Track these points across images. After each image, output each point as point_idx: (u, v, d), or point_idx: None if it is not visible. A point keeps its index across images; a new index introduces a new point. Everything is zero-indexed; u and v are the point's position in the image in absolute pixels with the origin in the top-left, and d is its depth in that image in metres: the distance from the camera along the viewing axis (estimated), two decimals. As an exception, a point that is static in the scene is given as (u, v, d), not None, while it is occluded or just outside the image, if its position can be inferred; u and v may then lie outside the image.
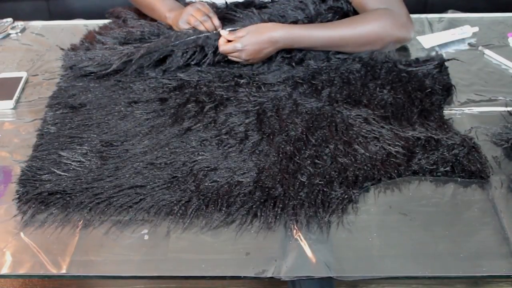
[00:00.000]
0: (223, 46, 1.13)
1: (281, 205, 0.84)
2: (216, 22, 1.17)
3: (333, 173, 0.89)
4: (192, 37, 1.15)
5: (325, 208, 0.84)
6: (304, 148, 0.94)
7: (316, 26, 1.16)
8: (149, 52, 1.15)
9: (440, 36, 1.26)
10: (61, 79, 1.18)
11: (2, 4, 2.01)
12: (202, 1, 1.28)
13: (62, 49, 1.24)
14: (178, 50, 1.15)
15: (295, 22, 1.18)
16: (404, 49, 1.24)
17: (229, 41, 1.13)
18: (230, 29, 1.15)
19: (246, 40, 1.11)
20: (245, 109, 1.05)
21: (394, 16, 1.15)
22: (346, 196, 0.86)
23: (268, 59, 1.17)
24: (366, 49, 1.18)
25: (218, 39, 1.14)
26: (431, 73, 1.13)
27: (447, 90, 1.09)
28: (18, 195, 0.89)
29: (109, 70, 1.15)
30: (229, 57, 1.15)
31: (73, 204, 0.86)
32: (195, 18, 1.17)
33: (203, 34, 1.15)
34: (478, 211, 0.85)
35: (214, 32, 1.15)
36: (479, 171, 0.90)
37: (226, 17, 1.20)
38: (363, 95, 1.07)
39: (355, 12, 1.22)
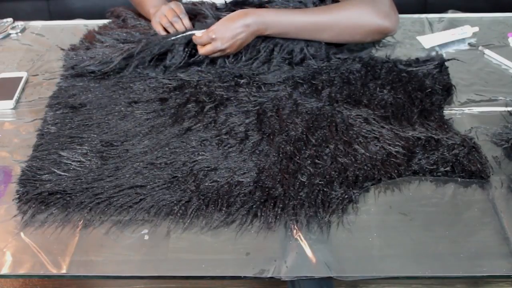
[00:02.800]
0: (198, 40, 1.13)
1: (281, 205, 0.84)
2: (187, 22, 1.19)
3: (333, 173, 0.89)
4: (192, 32, 1.15)
5: (325, 208, 0.84)
6: (304, 148, 0.94)
7: (291, 11, 1.15)
8: (149, 44, 1.15)
9: (440, 36, 1.26)
10: (61, 79, 1.18)
11: (2, 4, 2.01)
12: (203, 1, 1.28)
13: (62, 49, 1.24)
14: (179, 44, 1.16)
15: None
16: (404, 49, 1.24)
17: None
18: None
19: (219, 28, 1.10)
20: (245, 109, 1.05)
21: (375, 4, 1.13)
22: (346, 196, 0.86)
23: (268, 59, 1.17)
24: (346, 38, 1.16)
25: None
26: (431, 73, 1.13)
27: (447, 90, 1.09)
28: (18, 195, 0.89)
29: (111, 67, 1.15)
30: (209, 54, 1.14)
31: (73, 204, 0.86)
32: (166, 19, 1.19)
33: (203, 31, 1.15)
34: (478, 211, 0.85)
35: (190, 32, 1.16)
36: (479, 171, 0.90)
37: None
38: (363, 95, 1.07)
39: None
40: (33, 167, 0.93)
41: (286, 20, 1.12)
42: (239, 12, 1.12)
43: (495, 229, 0.82)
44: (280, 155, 0.93)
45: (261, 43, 1.17)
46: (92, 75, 1.16)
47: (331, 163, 0.91)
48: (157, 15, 1.21)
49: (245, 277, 0.77)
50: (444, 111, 1.04)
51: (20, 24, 1.40)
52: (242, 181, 0.89)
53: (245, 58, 1.17)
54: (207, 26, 1.14)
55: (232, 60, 1.17)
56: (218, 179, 0.89)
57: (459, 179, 0.90)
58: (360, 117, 1.01)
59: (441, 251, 0.79)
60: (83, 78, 1.16)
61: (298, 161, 0.92)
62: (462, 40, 1.27)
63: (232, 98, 1.08)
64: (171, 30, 1.19)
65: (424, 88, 1.09)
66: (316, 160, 0.92)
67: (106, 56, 1.16)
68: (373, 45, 1.25)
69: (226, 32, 1.10)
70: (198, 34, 1.13)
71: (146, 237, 0.82)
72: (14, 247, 0.82)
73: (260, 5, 1.21)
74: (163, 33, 1.20)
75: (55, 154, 0.96)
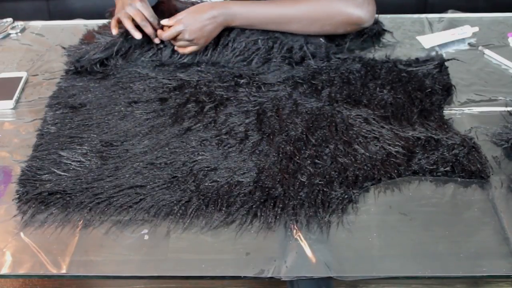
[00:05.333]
0: (165, 33, 1.13)
1: (281, 205, 0.84)
2: (156, 25, 1.16)
3: (333, 173, 0.89)
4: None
5: (325, 208, 0.84)
6: (304, 148, 0.94)
7: (259, 3, 1.15)
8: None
9: (440, 36, 1.26)
10: (61, 79, 1.18)
11: (2, 4, 2.01)
12: (203, 1, 1.28)
13: (64, 48, 1.25)
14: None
15: None
16: (404, 49, 1.24)
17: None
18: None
19: (186, 19, 1.11)
20: (245, 109, 1.05)
21: None
22: (346, 196, 0.86)
23: (268, 58, 1.18)
24: (315, 30, 1.16)
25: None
26: (431, 73, 1.13)
27: (447, 90, 1.09)
28: (18, 195, 0.89)
29: (116, 49, 1.16)
30: (176, 46, 1.16)
31: (73, 204, 0.86)
32: (129, 22, 1.14)
33: None
34: (478, 211, 0.85)
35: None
36: (479, 171, 0.90)
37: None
38: (363, 95, 1.07)
39: None
40: (33, 167, 0.93)
41: (253, 11, 1.13)
42: (206, 4, 1.14)
43: (495, 229, 0.82)
44: (280, 155, 0.93)
45: (260, 40, 1.17)
46: (92, 75, 1.17)
47: (331, 163, 0.91)
48: (118, 14, 1.17)
49: (245, 277, 0.77)
50: (444, 111, 1.04)
51: (20, 24, 1.40)
52: (242, 181, 0.89)
53: (243, 56, 1.18)
54: None
55: (231, 55, 1.17)
56: (218, 179, 0.89)
57: (459, 179, 0.90)
58: (360, 117, 1.01)
59: (441, 251, 0.79)
60: (83, 78, 1.16)
61: (298, 161, 0.92)
62: (462, 40, 1.27)
63: (232, 98, 1.08)
64: (136, 35, 1.14)
65: (424, 88, 1.09)
66: (316, 160, 0.92)
67: (109, 42, 1.17)
68: (373, 45, 1.25)
69: (193, 24, 1.11)
70: (165, 22, 1.14)
71: (146, 237, 0.82)
72: (14, 247, 0.82)
73: None
74: (131, 28, 1.15)
75: (55, 154, 0.96)
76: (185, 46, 1.15)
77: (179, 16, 1.12)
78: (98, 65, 1.18)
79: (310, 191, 0.86)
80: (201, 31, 1.12)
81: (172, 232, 0.83)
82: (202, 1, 1.28)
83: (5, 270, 0.79)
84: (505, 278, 0.78)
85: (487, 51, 1.21)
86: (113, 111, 1.06)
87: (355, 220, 0.84)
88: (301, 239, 0.81)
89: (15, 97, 1.12)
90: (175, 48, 1.17)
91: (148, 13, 1.16)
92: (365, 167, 0.90)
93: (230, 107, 1.05)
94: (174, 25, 1.12)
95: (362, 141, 0.95)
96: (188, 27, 1.11)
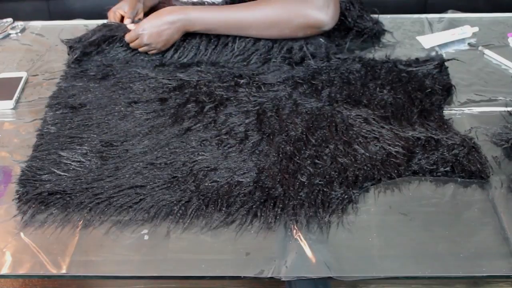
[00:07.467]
0: (127, 36, 1.18)
1: (281, 205, 0.84)
2: (126, 21, 1.24)
3: (333, 173, 0.89)
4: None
5: (325, 208, 0.84)
6: (304, 148, 0.94)
7: (218, 7, 1.16)
8: None
9: (440, 36, 1.26)
10: (61, 79, 1.18)
11: (2, 4, 2.01)
12: (203, 1, 1.28)
13: (64, 41, 1.25)
14: None
15: None
16: (404, 49, 1.24)
17: None
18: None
19: (145, 24, 1.15)
20: (245, 109, 1.05)
21: None
22: (346, 196, 0.86)
23: (268, 58, 1.18)
24: (274, 34, 1.15)
25: None
26: (431, 73, 1.13)
27: (447, 90, 1.09)
28: (18, 195, 0.89)
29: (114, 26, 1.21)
30: (137, 48, 1.19)
31: (73, 204, 0.86)
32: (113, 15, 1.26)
33: None
34: (478, 211, 0.85)
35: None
36: (479, 171, 0.90)
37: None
38: (363, 95, 1.07)
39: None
40: (33, 167, 0.93)
41: (212, 16, 1.14)
42: (166, 8, 1.16)
43: (495, 229, 0.82)
44: (280, 155, 0.93)
45: (260, 41, 1.17)
46: (92, 75, 1.17)
47: (331, 163, 0.91)
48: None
49: (245, 277, 0.77)
50: (444, 111, 1.04)
51: (20, 24, 1.40)
52: (242, 181, 0.89)
53: (243, 56, 1.18)
54: None
55: (230, 55, 1.18)
56: (218, 179, 0.89)
57: (459, 179, 0.90)
58: (360, 117, 1.01)
59: (441, 251, 0.79)
60: (83, 78, 1.17)
61: (298, 161, 0.92)
62: (462, 40, 1.27)
63: (232, 98, 1.08)
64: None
65: (424, 88, 1.09)
66: (316, 160, 0.92)
67: (101, 24, 1.23)
68: (373, 45, 1.25)
69: (152, 28, 1.14)
70: (130, 26, 1.21)
71: (146, 237, 0.82)
72: (14, 247, 0.82)
73: None
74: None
75: (55, 154, 0.96)
76: (141, 46, 1.19)
77: (142, 21, 1.16)
78: (100, 57, 1.21)
79: (310, 191, 0.86)
80: (158, 36, 1.15)
81: (172, 232, 0.83)
82: (204, 2, 1.28)
83: (5, 270, 0.79)
84: (505, 278, 0.78)
85: (487, 51, 1.21)
86: (113, 111, 1.06)
87: (355, 220, 0.84)
88: (301, 239, 0.81)
89: (15, 97, 1.12)
90: (131, 45, 1.19)
91: (127, 9, 1.26)
92: (365, 167, 0.90)
93: (230, 107, 1.05)
94: (136, 28, 1.16)
95: (362, 141, 0.95)
96: (146, 31, 1.14)
